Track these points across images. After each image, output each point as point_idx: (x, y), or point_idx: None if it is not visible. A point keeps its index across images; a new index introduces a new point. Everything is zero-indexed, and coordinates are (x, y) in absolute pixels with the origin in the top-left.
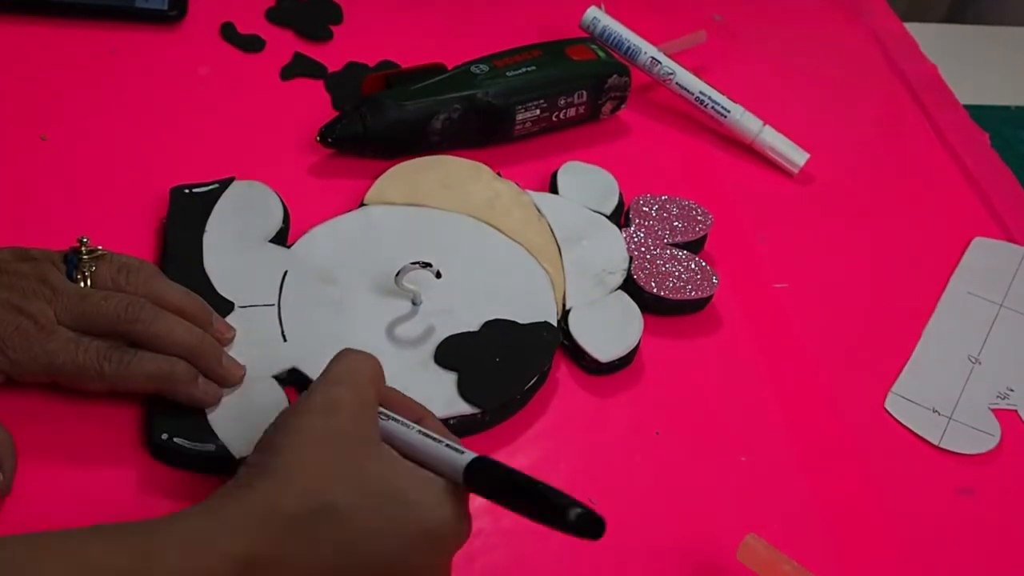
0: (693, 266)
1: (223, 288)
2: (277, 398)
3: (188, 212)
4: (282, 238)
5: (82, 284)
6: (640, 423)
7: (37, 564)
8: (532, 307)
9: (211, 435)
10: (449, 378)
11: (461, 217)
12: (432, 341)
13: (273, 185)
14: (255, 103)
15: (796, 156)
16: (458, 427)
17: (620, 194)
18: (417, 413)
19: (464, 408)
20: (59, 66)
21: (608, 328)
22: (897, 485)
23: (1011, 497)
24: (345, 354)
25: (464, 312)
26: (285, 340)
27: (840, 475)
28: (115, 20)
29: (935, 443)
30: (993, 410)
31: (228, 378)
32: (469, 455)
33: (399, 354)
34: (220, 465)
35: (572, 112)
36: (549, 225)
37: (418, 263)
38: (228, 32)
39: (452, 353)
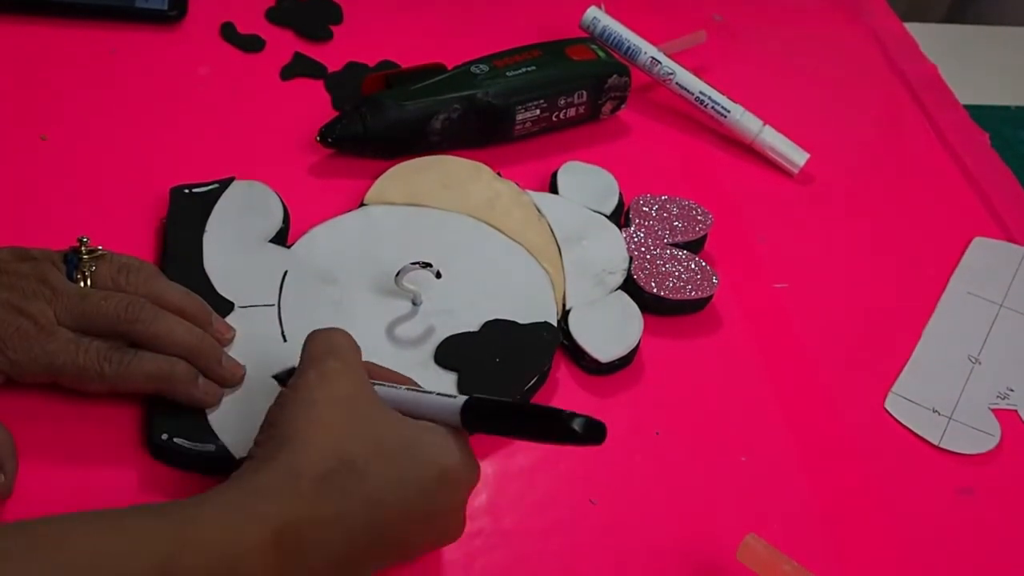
0: (693, 266)
1: (223, 288)
2: None
3: (188, 212)
4: (282, 238)
5: (82, 284)
6: (640, 423)
7: (79, 536)
8: (532, 307)
9: (211, 435)
10: (449, 378)
11: (461, 217)
12: (432, 341)
13: (273, 185)
14: (255, 103)
15: (796, 156)
16: None
17: (620, 194)
18: (399, 379)
19: None
20: (59, 66)
21: (608, 328)
22: (897, 485)
23: (1011, 497)
24: (319, 333)
25: (464, 312)
26: (285, 340)
27: (840, 475)
28: (115, 20)
29: (935, 443)
30: (993, 410)
31: (228, 378)
32: (462, 397)
33: (399, 354)
34: (220, 465)
35: (572, 112)
36: (549, 225)
37: (418, 263)
38: (228, 32)
39: (452, 353)
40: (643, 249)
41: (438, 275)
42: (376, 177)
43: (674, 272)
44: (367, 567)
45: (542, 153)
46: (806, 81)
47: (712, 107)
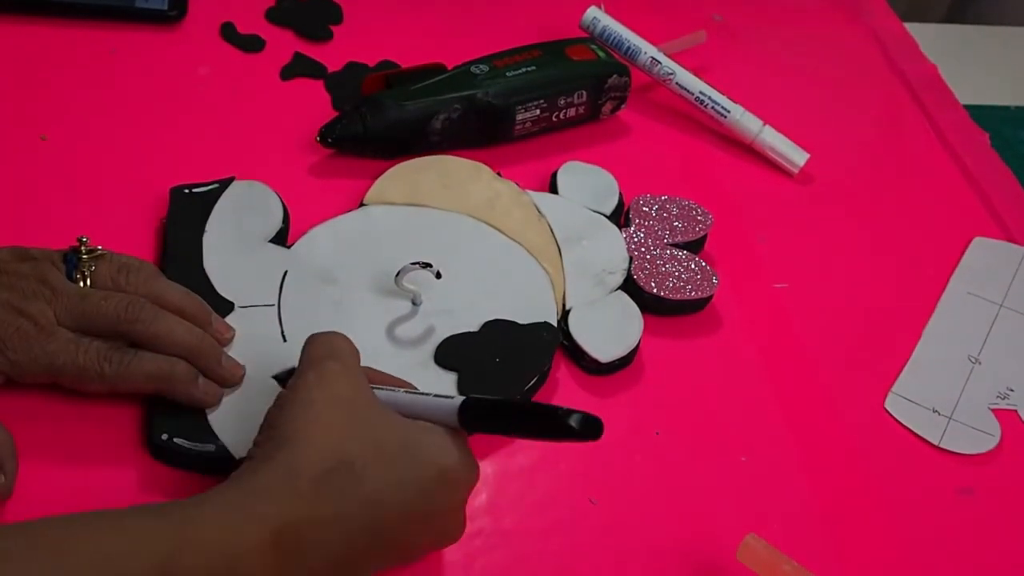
0: (693, 266)
1: (223, 288)
2: None
3: (188, 212)
4: (282, 238)
5: (82, 284)
6: (640, 423)
7: (79, 537)
8: (532, 307)
9: (211, 435)
10: (449, 378)
11: (461, 217)
12: (432, 341)
13: (273, 185)
14: (255, 103)
15: (796, 156)
16: None
17: (620, 194)
18: (397, 383)
19: None
20: (59, 66)
21: (608, 328)
22: (897, 485)
23: (1011, 497)
24: (318, 336)
25: (464, 312)
26: (285, 340)
27: (840, 475)
28: (115, 20)
29: (935, 443)
30: (993, 410)
31: (228, 378)
32: (459, 398)
33: (399, 354)
34: (220, 465)
35: (572, 112)
36: (549, 225)
37: (418, 263)
38: (228, 32)
39: (452, 353)
40: (643, 249)
41: (438, 275)
42: (376, 177)
43: (674, 272)
44: (367, 568)
45: (542, 153)
46: (806, 81)
47: (712, 107)
